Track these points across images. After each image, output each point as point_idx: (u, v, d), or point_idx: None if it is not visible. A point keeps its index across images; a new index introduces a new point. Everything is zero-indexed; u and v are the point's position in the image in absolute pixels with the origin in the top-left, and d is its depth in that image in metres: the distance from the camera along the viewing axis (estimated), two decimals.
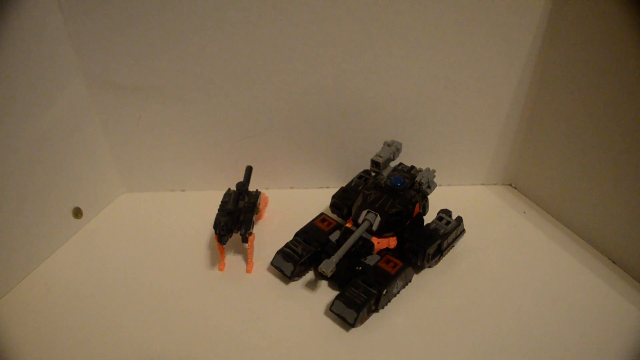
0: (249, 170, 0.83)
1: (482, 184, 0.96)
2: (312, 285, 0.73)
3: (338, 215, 0.82)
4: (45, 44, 0.74)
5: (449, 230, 0.75)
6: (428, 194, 0.78)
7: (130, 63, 0.80)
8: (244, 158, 0.89)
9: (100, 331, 0.66)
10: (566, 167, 0.81)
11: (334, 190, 0.83)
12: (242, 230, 0.74)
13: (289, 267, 0.72)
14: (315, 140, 0.89)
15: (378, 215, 0.71)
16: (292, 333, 0.65)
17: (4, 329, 0.66)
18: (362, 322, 0.66)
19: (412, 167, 0.81)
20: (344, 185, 0.84)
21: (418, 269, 0.75)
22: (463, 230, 0.79)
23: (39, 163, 0.76)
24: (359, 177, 0.85)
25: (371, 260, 0.71)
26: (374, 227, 0.71)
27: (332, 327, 0.66)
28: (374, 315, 0.68)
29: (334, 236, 0.75)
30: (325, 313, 0.68)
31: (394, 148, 0.80)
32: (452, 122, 0.87)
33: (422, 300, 0.70)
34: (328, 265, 0.64)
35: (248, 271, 0.75)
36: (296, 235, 0.76)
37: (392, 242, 0.73)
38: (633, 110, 0.68)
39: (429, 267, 0.75)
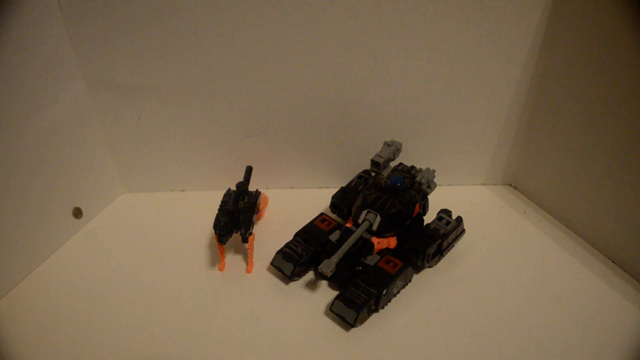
0: (249, 170, 0.83)
1: (482, 184, 0.96)
2: (312, 285, 0.73)
3: (338, 215, 0.82)
4: (45, 44, 0.74)
5: (449, 230, 0.75)
6: (428, 194, 0.78)
7: (130, 63, 0.80)
8: (244, 158, 0.90)
9: (100, 331, 0.66)
10: (566, 167, 0.81)
11: (334, 190, 0.83)
12: (242, 230, 0.74)
13: (289, 267, 0.72)
14: (315, 140, 0.89)
15: (378, 215, 0.71)
16: (292, 333, 0.65)
17: (4, 329, 0.66)
18: (362, 322, 0.66)
19: (412, 167, 0.81)
20: (344, 185, 0.84)
21: (418, 269, 0.75)
22: (463, 230, 0.79)
23: (39, 163, 0.76)
24: (359, 177, 0.85)
25: (371, 260, 0.71)
26: (374, 227, 0.71)
27: (332, 327, 0.66)
28: (374, 315, 0.68)
29: (334, 236, 0.75)
30: (325, 313, 0.68)
31: (394, 148, 0.80)
32: (452, 122, 0.87)
33: (422, 300, 0.70)
34: (328, 265, 0.64)
35: (248, 271, 0.75)
36: (296, 235, 0.76)
37: (392, 242, 0.73)
38: (633, 111, 0.68)
39: (429, 267, 0.75)
